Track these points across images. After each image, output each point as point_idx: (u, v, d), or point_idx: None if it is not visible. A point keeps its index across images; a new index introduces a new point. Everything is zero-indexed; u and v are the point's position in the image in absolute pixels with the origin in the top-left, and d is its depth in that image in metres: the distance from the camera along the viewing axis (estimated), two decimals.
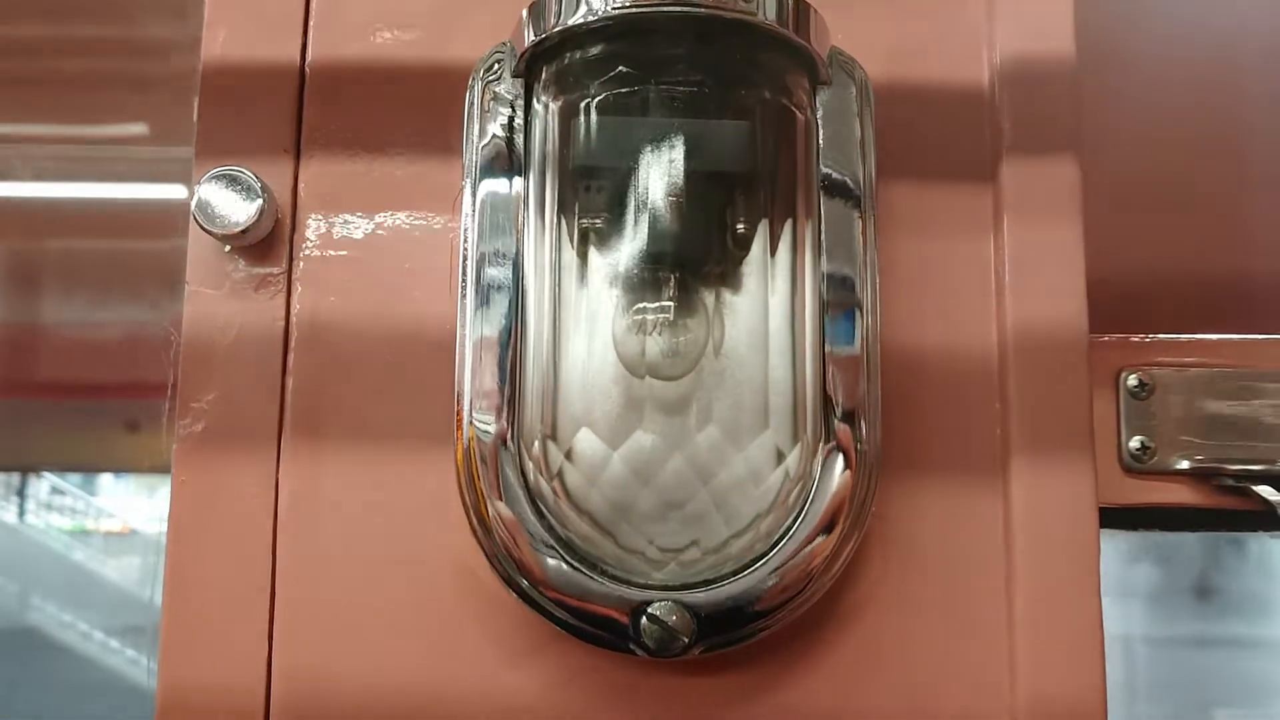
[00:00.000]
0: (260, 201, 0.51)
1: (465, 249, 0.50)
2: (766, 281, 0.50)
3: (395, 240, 0.54)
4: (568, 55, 0.50)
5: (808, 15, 0.50)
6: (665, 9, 0.48)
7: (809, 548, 0.48)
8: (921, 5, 0.57)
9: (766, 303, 0.49)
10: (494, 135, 0.50)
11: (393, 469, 0.52)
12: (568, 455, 0.48)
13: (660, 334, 0.48)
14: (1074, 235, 0.54)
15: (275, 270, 0.53)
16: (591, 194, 0.49)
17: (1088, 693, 0.50)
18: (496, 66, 0.51)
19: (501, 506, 0.48)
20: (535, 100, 0.51)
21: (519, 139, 0.50)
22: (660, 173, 0.48)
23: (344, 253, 0.54)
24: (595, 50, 0.50)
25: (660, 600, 0.47)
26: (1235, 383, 0.62)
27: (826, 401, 0.48)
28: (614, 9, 0.48)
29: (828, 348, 0.49)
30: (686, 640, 0.47)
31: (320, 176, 0.54)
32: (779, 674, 0.51)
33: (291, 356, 0.53)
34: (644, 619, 0.47)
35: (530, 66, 0.51)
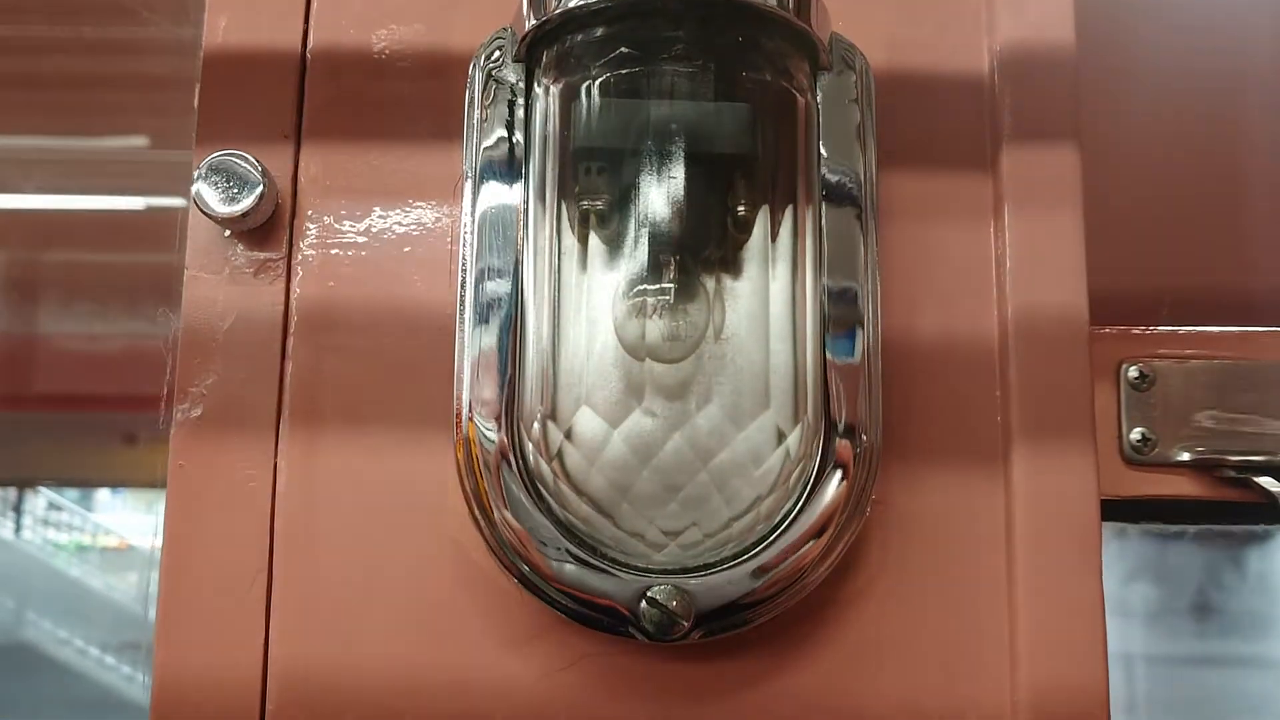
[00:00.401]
0: (260, 187, 0.51)
1: (465, 234, 0.50)
2: (767, 266, 0.49)
3: (395, 226, 0.54)
4: (568, 38, 0.50)
5: None
6: None
7: (809, 534, 0.48)
8: None
9: (767, 287, 0.49)
10: (495, 120, 0.50)
11: (391, 455, 0.52)
12: (567, 435, 0.48)
13: (660, 317, 0.48)
14: (1074, 223, 0.54)
15: (275, 255, 0.53)
16: (592, 176, 0.49)
17: (1090, 682, 0.50)
18: (497, 52, 0.51)
19: (500, 492, 0.47)
20: (536, 84, 0.51)
21: (520, 124, 0.50)
22: (661, 155, 0.48)
23: (344, 239, 0.54)
24: (596, 32, 0.50)
25: (660, 584, 0.47)
26: (1236, 375, 0.62)
27: (827, 386, 0.48)
28: None
29: (828, 333, 0.49)
30: (686, 625, 0.47)
31: (321, 162, 0.54)
32: (779, 660, 0.50)
33: (291, 342, 0.53)
34: (644, 603, 0.47)
35: (531, 51, 0.51)
